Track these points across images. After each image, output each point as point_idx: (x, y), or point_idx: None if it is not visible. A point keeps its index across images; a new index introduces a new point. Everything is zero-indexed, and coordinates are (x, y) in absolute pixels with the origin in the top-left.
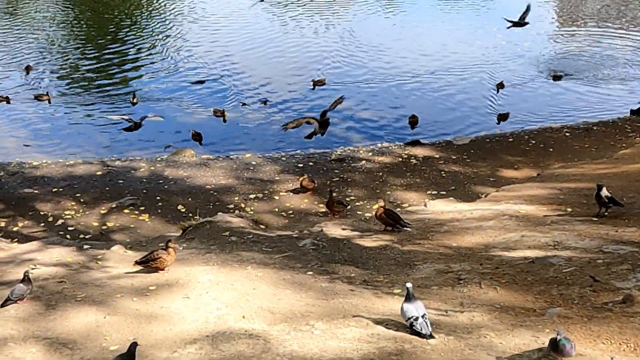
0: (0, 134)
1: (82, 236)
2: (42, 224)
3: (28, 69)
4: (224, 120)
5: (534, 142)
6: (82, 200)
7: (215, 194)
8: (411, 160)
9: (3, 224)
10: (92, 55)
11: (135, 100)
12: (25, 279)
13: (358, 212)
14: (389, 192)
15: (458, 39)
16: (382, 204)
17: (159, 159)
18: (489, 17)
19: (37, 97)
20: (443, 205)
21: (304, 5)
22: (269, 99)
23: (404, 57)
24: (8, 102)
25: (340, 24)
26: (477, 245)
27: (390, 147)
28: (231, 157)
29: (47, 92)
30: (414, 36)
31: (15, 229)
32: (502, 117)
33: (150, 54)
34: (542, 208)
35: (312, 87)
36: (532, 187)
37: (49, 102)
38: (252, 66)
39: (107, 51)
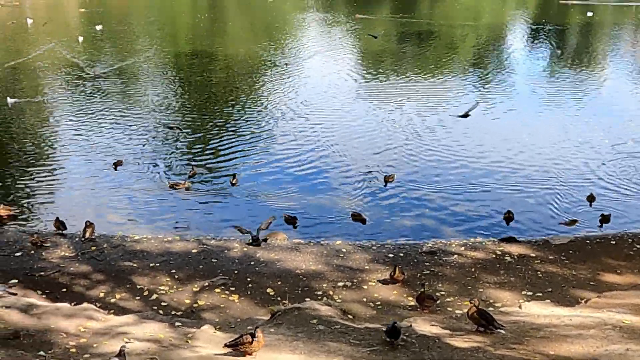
0: (107, 208)
1: (174, 312)
2: (138, 298)
3: (117, 164)
4: (364, 222)
5: (639, 246)
6: (176, 276)
7: (304, 279)
8: (505, 258)
9: (102, 295)
10: (195, 138)
11: (234, 181)
12: (121, 354)
13: (448, 309)
14: (481, 290)
15: (556, 134)
16: (475, 302)
17: None
18: (591, 112)
19: (173, 186)
20: (539, 309)
21: (399, 98)
22: (355, 189)
23: (500, 151)
24: (188, 189)
25: (433, 117)
26: (576, 356)
27: (483, 243)
28: (322, 243)
29: (186, 182)
30: (508, 130)
31: (112, 300)
32: (604, 219)
33: (252, 140)
34: None
35: (384, 184)
36: (638, 295)
37: (187, 189)
38: (341, 157)
39: (210, 134)
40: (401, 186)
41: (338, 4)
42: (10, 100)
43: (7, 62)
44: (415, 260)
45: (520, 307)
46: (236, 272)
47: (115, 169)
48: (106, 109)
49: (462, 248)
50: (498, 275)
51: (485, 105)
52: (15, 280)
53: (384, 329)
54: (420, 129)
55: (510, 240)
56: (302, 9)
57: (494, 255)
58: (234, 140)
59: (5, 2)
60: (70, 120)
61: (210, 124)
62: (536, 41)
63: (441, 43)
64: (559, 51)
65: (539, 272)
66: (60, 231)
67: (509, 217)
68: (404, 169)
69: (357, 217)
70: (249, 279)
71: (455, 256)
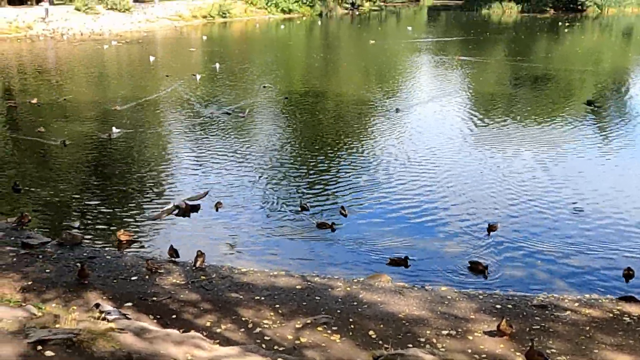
0: (218, 239)
1: (276, 347)
2: (243, 330)
3: (217, 205)
4: (484, 273)
5: None
6: (280, 311)
7: (407, 324)
8: (624, 318)
9: (208, 324)
10: (304, 177)
11: (345, 213)
12: None
13: None
14: (596, 351)
15: None
16: None
17: (355, 280)
18: None
19: (320, 226)
20: None
21: (513, 144)
22: (461, 235)
23: (620, 203)
24: (333, 230)
25: (549, 165)
26: None
27: (599, 300)
28: (426, 288)
29: (332, 223)
30: (630, 181)
31: (218, 330)
32: None
33: (361, 182)
34: None
35: (487, 233)
36: None
37: (332, 230)
38: (451, 203)
39: (319, 174)
40: (510, 235)
41: (450, 46)
42: (115, 130)
43: (131, 100)
44: (525, 314)
45: None
46: (338, 311)
47: (217, 210)
48: (219, 147)
49: (576, 304)
50: (616, 336)
51: (605, 155)
52: (130, 304)
53: None
54: (534, 177)
55: (630, 299)
56: (411, 51)
57: (612, 315)
58: (342, 180)
59: (128, 39)
60: (185, 155)
61: (320, 164)
62: None
63: (558, 88)
64: None
65: None
66: (173, 259)
67: (628, 274)
68: (516, 218)
69: (477, 267)
70: (351, 320)
71: (568, 312)
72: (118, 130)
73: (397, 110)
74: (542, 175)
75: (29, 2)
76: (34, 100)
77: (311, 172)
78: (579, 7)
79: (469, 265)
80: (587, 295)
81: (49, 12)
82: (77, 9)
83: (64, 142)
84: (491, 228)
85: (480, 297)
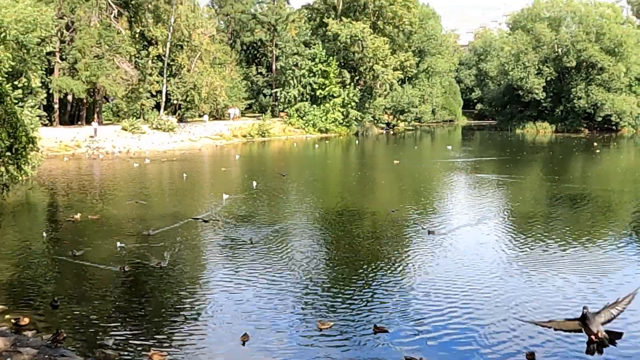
0: None
1: None
2: None
3: (244, 339)
4: None
5: None
6: None
7: None
8: None
9: None
10: (332, 294)
11: (386, 329)
12: None
13: None
14: None
15: None
16: None
17: None
18: None
19: None
20: None
21: (552, 270)
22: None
23: None
24: None
25: (595, 289)
26: None
27: None
28: None
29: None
30: None
31: None
32: None
33: (391, 304)
34: None
35: None
36: None
37: None
38: (489, 334)
39: (348, 293)
40: None
41: (486, 166)
42: (119, 244)
43: (161, 222)
44: None
45: None
46: None
47: (243, 344)
48: (254, 271)
49: None
50: None
51: None
52: None
53: None
54: (578, 303)
55: None
56: (447, 170)
57: None
58: (371, 302)
59: (164, 158)
60: (217, 280)
61: (358, 287)
62: None
63: (598, 208)
64: None
65: None
66: None
67: None
68: (560, 346)
69: None
70: None
71: None
72: (121, 245)
73: (430, 232)
74: (586, 301)
75: (79, 122)
76: (97, 216)
77: (348, 294)
78: (613, 127)
79: None
80: None
81: (97, 132)
82: (124, 129)
83: (123, 268)
84: (529, 356)
85: None
